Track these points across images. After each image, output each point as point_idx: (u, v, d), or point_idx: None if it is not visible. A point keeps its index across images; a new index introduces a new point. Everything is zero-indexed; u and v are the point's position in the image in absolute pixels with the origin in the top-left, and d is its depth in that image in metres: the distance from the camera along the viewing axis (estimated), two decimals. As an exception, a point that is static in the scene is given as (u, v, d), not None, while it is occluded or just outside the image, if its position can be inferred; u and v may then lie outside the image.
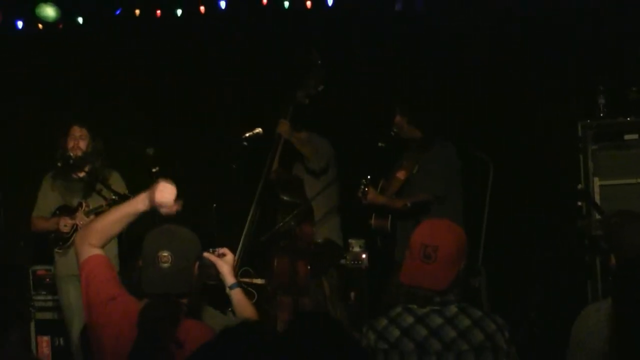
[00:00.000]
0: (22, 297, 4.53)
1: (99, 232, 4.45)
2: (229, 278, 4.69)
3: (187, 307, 4.26)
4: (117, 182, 7.96)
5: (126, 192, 7.78)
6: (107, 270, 4.39)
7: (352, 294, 6.10)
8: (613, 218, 6.03)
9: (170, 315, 4.16)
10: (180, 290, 4.23)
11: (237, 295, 4.72)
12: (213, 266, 4.76)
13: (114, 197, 7.75)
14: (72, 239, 7.83)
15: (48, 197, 8.00)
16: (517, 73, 8.59)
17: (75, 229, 7.89)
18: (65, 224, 7.74)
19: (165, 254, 4.19)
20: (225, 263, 4.71)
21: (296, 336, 2.66)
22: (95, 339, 4.30)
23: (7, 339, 4.25)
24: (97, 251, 4.41)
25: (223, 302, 4.88)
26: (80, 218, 7.89)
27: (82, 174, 7.95)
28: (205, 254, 4.63)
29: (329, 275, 6.85)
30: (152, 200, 4.37)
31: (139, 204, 4.39)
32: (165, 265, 4.18)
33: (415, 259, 4.20)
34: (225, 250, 4.77)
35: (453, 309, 4.13)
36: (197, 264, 4.36)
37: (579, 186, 7.86)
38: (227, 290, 4.73)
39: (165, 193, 4.38)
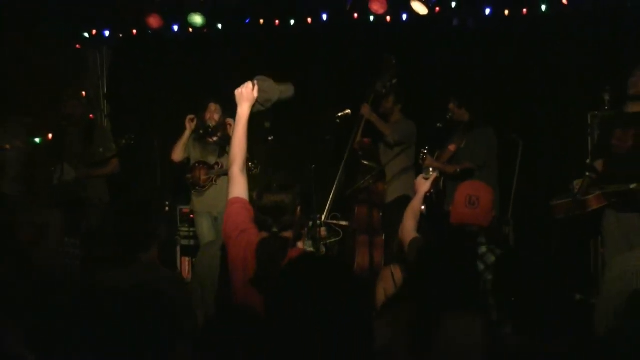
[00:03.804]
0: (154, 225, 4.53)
1: (239, 154, 4.30)
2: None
3: (291, 240, 4.16)
4: None
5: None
6: (244, 211, 4.23)
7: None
8: None
9: (280, 248, 4.05)
10: (286, 218, 4.10)
11: None
12: None
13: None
14: (207, 188, 8.09)
15: (189, 148, 8.21)
16: (543, 74, 8.50)
17: (212, 180, 8.06)
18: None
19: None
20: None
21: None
22: (231, 265, 4.23)
23: (149, 254, 4.38)
24: (241, 191, 4.26)
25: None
26: (217, 172, 8.04)
27: (215, 139, 8.07)
28: None
29: None
30: (240, 99, 4.33)
31: (239, 112, 4.33)
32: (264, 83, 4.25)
33: (461, 207, 4.43)
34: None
35: (483, 248, 4.32)
36: (299, 208, 4.20)
37: (587, 161, 7.55)
38: None
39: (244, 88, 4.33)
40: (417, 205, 5.01)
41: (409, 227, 4.83)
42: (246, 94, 4.35)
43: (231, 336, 2.53)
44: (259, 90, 4.39)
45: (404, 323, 3.38)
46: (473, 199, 4.41)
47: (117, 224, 4.45)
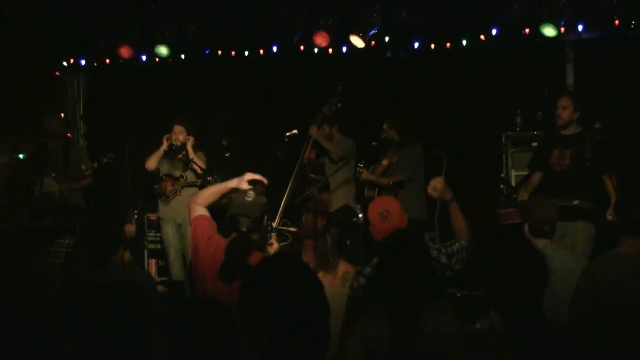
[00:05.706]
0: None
1: (204, 198, 4.48)
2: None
3: (255, 242, 4.34)
4: (201, 159, 8.18)
5: (204, 167, 8.06)
6: (209, 223, 4.46)
7: (348, 241, 6.02)
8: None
9: (245, 247, 4.23)
10: (254, 224, 4.32)
11: None
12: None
13: (198, 170, 8.02)
14: (171, 197, 8.25)
15: (159, 162, 8.34)
16: (466, 100, 8.75)
17: (176, 191, 8.25)
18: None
19: (251, 192, 4.31)
20: (271, 249, 4.75)
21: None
22: (199, 269, 4.38)
23: (118, 255, 4.54)
24: (203, 211, 4.47)
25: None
26: (181, 184, 8.20)
27: (180, 155, 8.24)
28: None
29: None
30: (239, 182, 4.41)
31: (231, 184, 4.43)
32: (249, 199, 4.30)
33: (378, 224, 4.39)
34: (272, 240, 4.78)
35: None
36: (266, 217, 4.44)
37: (502, 175, 8.05)
38: None
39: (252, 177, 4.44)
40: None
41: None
42: (237, 182, 4.44)
43: (203, 324, 2.58)
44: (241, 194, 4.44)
45: (383, 324, 3.38)
46: (385, 214, 4.38)
47: (98, 230, 4.57)
